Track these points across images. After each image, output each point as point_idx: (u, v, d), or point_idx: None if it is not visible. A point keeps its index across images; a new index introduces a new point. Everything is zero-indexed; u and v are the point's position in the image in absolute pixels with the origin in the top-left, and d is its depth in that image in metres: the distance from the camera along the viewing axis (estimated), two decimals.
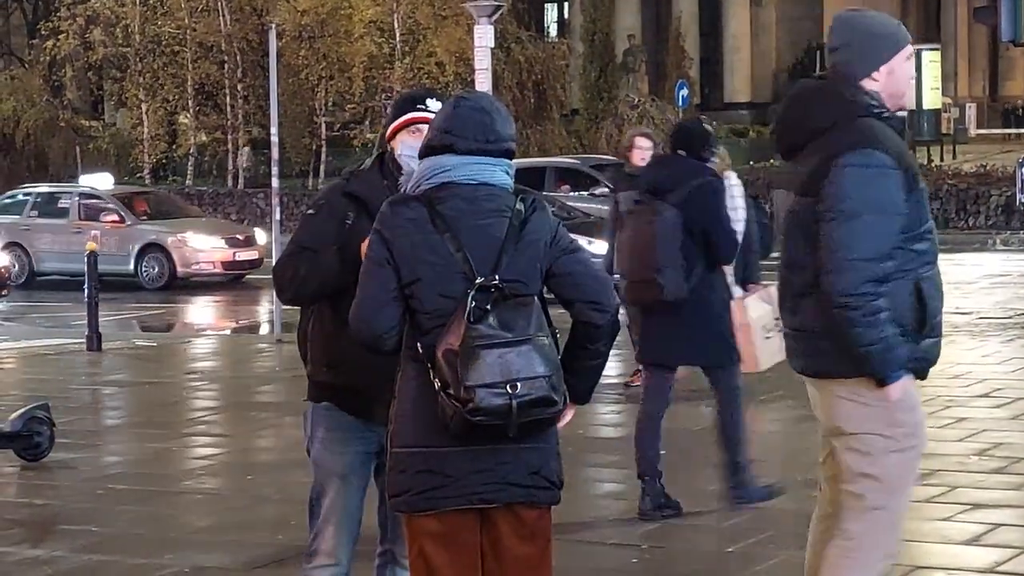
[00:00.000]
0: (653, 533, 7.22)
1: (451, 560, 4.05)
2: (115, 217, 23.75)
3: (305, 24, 38.51)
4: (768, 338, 7.65)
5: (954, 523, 7.30)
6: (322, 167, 38.98)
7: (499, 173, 4.12)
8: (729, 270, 8.07)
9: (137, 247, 23.23)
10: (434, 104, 4.58)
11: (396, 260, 4.03)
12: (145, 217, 24.10)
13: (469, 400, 3.87)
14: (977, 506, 7.59)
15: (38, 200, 24.72)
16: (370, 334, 4.07)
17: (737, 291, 8.44)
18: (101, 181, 25.19)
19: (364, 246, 4.23)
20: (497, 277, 3.99)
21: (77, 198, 24.27)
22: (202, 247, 23.15)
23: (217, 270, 23.27)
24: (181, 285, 23.08)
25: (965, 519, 7.34)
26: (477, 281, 3.97)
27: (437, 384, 3.93)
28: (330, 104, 40.45)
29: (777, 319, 5.38)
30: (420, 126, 4.51)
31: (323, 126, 39.95)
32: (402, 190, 4.24)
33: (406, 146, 4.59)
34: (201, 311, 21.40)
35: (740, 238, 8.16)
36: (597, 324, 4.17)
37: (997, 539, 6.94)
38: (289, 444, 9.00)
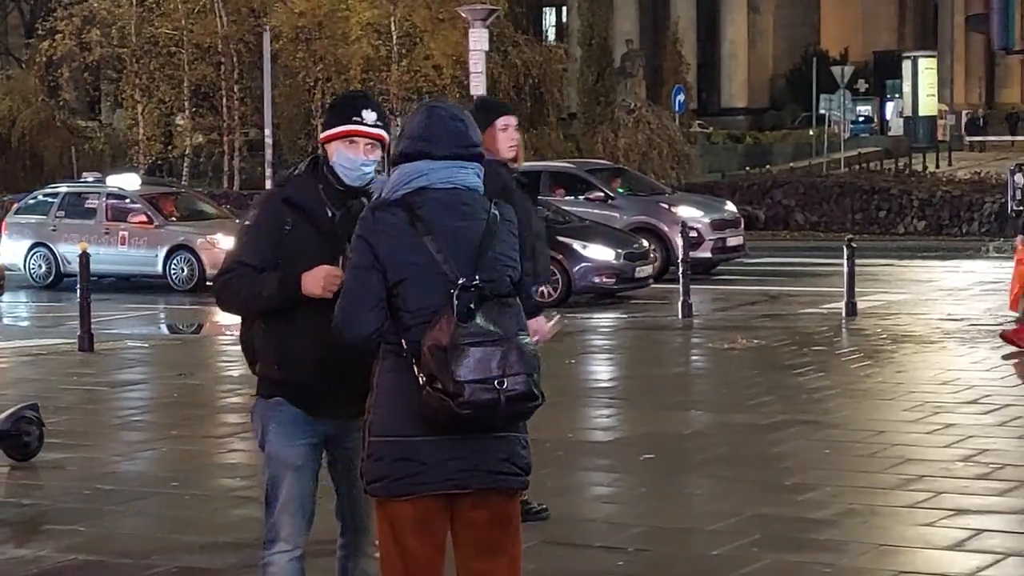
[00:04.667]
0: (640, 536, 7.24)
1: (422, 544, 4.24)
2: (143, 217, 23.56)
3: (302, 26, 38.53)
4: None
5: (938, 528, 7.32)
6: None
7: (473, 176, 4.34)
8: None
9: (165, 248, 23.07)
10: (369, 115, 4.71)
11: (382, 263, 4.20)
12: (173, 218, 23.92)
13: (459, 394, 4.05)
14: (961, 512, 7.61)
15: (65, 200, 24.47)
16: (357, 336, 4.25)
17: None
18: (128, 181, 24.86)
19: (306, 279, 4.51)
20: (477, 278, 4.16)
21: (105, 199, 24.02)
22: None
23: None
24: (211, 287, 22.87)
25: (949, 524, 7.36)
26: (459, 282, 4.14)
27: (423, 379, 4.11)
28: (326, 106, 40.47)
29: None
30: (356, 138, 4.70)
31: (319, 128, 39.95)
32: (375, 197, 4.44)
33: (342, 156, 4.72)
34: (222, 313, 21.19)
35: None
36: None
37: (981, 545, 6.96)
38: None
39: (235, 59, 39.48)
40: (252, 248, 4.75)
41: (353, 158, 4.71)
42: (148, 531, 7.67)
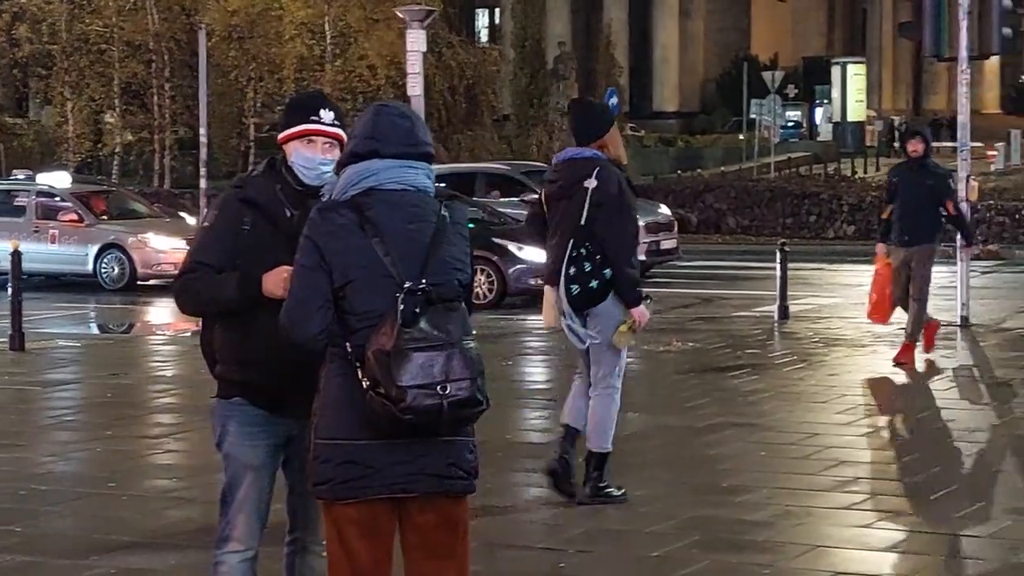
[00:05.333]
0: (580, 537, 7.28)
1: (369, 547, 4.24)
2: (73, 216, 23.30)
3: (235, 24, 38.34)
4: None
5: (873, 530, 7.42)
6: (250, 168, 38.79)
7: (422, 177, 4.30)
8: None
9: (96, 247, 22.83)
10: (327, 115, 4.73)
11: (329, 265, 4.18)
12: (104, 217, 23.66)
13: (401, 400, 4.03)
14: (896, 513, 7.72)
15: None
16: (303, 336, 4.23)
17: None
18: (59, 179, 24.59)
19: (266, 280, 4.52)
20: (424, 281, 4.14)
21: (35, 197, 23.72)
22: (163, 248, 22.73)
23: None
24: (142, 286, 22.70)
25: (884, 526, 7.46)
26: (405, 285, 4.12)
27: (366, 383, 4.09)
28: (259, 105, 40.29)
29: None
30: (314, 137, 4.70)
31: (252, 127, 39.77)
32: (324, 198, 4.41)
33: (300, 156, 4.73)
34: (154, 312, 21.01)
35: None
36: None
37: (916, 546, 7.06)
38: (212, 446, 8.97)
39: (166, 57, 39.22)
40: (211, 249, 4.74)
41: (311, 157, 4.72)
42: (85, 531, 7.61)
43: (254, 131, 39.84)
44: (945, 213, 13.25)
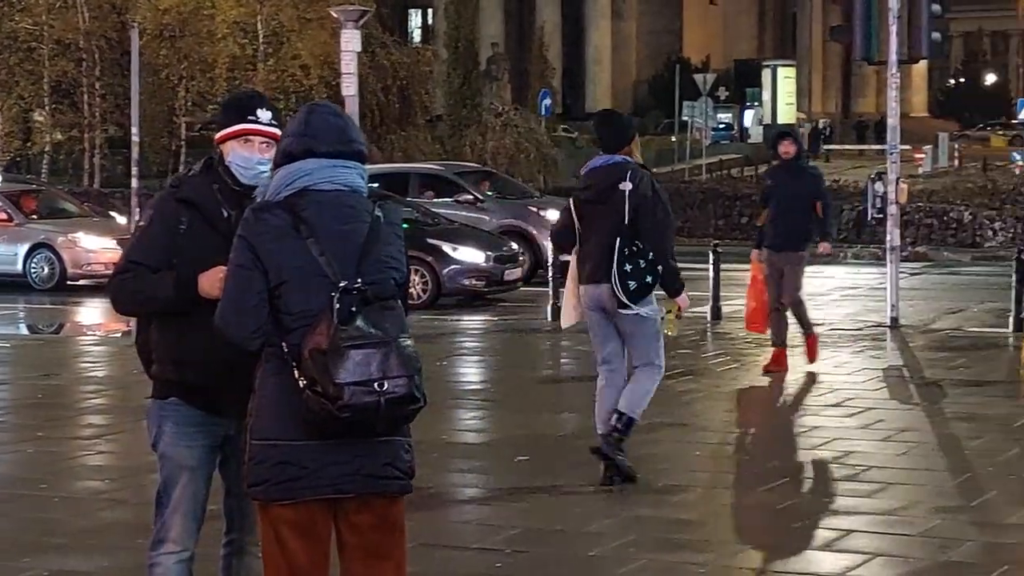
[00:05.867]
0: (517, 538, 7.29)
1: (305, 548, 4.23)
2: (2, 215, 22.99)
3: (166, 23, 38.05)
4: None
5: (807, 529, 7.48)
6: (181, 167, 38.53)
7: (356, 177, 4.32)
8: None
9: (26, 247, 22.53)
10: (264, 114, 4.73)
11: (263, 264, 4.19)
12: (34, 216, 23.39)
13: (339, 397, 4.02)
14: (830, 513, 7.79)
15: None
16: (238, 335, 4.23)
17: None
18: None
19: (203, 280, 4.52)
20: (360, 280, 4.15)
21: None
22: (93, 248, 22.47)
23: (109, 271, 22.45)
24: (72, 286, 22.43)
25: (819, 525, 7.53)
26: (341, 284, 4.12)
27: (303, 382, 4.09)
28: (190, 104, 40.02)
29: None
30: (251, 137, 4.71)
31: (183, 126, 39.50)
32: (258, 199, 4.42)
33: (237, 155, 4.73)
34: (85, 312, 20.76)
35: None
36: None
37: (849, 545, 7.13)
38: (144, 447, 8.90)
39: (97, 55, 38.85)
40: (147, 248, 4.72)
41: (249, 156, 4.72)
42: (17, 534, 7.53)
43: (185, 130, 39.56)
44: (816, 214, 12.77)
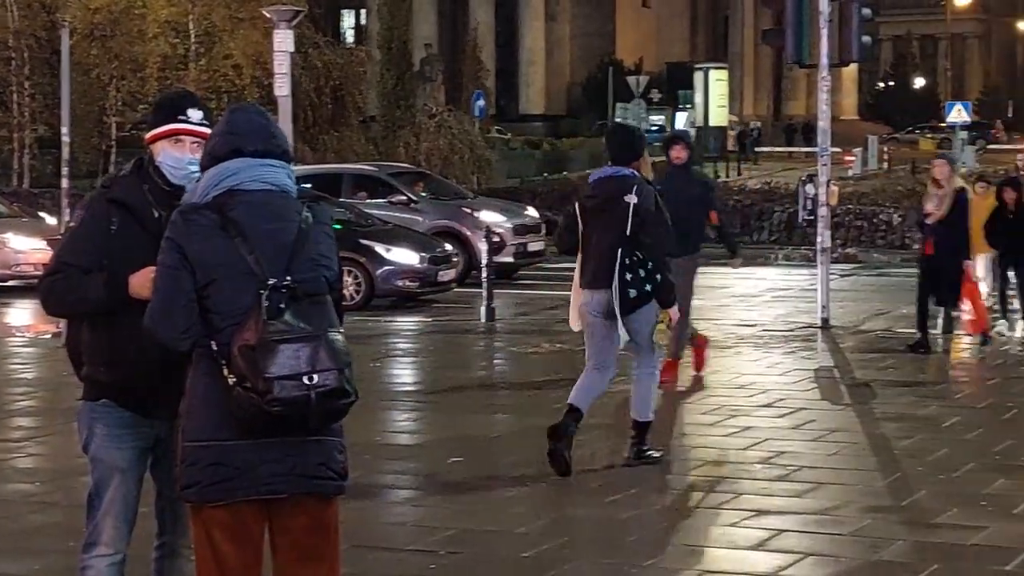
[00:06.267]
0: (451, 539, 7.29)
1: (237, 550, 4.22)
2: None
3: (97, 22, 37.70)
4: None
5: (740, 529, 7.53)
6: (111, 167, 38.19)
7: (283, 176, 4.33)
8: None
9: None
10: (195, 113, 4.73)
11: (191, 264, 4.19)
12: None
13: (268, 391, 4.02)
14: (761, 512, 7.84)
15: None
16: (167, 336, 4.22)
17: None
18: None
19: (133, 280, 4.50)
20: (289, 278, 4.16)
21: None
22: (22, 248, 22.15)
23: (39, 272, 22.15)
24: (1, 287, 22.01)
25: (750, 525, 7.58)
26: (270, 282, 4.13)
27: (232, 379, 4.08)
28: (121, 104, 39.69)
29: None
30: (182, 137, 4.70)
31: (113, 126, 39.16)
32: (185, 201, 4.41)
33: (168, 155, 4.72)
34: (14, 313, 20.40)
35: None
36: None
37: (781, 544, 7.18)
38: (75, 450, 8.83)
39: (26, 55, 38.43)
40: (78, 249, 4.70)
41: (180, 157, 4.71)
42: None
43: (116, 130, 39.22)
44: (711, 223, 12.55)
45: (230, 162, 4.27)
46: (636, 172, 8.79)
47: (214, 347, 4.15)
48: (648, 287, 8.57)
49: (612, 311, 8.60)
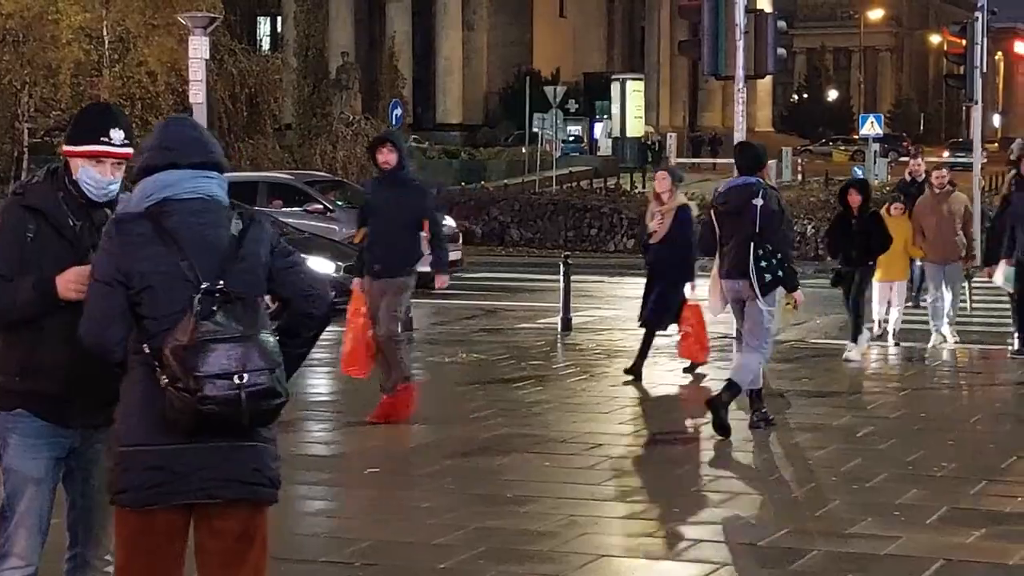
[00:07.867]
0: (366, 551, 7.24)
1: (162, 555, 4.24)
2: None
3: (9, 28, 37.23)
4: None
5: (656, 538, 7.56)
6: (24, 174, 37.68)
7: (215, 186, 4.40)
8: None
9: None
10: (117, 134, 4.71)
11: (124, 275, 4.24)
12: None
13: (199, 390, 4.06)
14: (678, 522, 7.86)
15: None
16: (102, 347, 4.28)
17: None
18: None
19: (58, 282, 4.51)
20: (221, 283, 4.21)
21: None
22: None
23: None
24: None
25: (666, 535, 7.61)
26: (203, 286, 4.19)
27: (165, 380, 4.12)
28: (33, 110, 39.21)
29: None
30: (103, 158, 4.69)
31: (26, 132, 38.68)
32: (118, 211, 4.48)
33: (88, 174, 4.70)
34: None
35: None
36: (312, 314, 4.47)
37: (697, 555, 7.20)
38: None
39: None
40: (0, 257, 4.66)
41: (100, 178, 4.71)
42: None
43: (28, 136, 38.74)
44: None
45: (165, 174, 4.34)
46: (761, 179, 10.43)
47: (147, 351, 4.19)
48: (780, 272, 10.21)
49: (750, 296, 10.20)
